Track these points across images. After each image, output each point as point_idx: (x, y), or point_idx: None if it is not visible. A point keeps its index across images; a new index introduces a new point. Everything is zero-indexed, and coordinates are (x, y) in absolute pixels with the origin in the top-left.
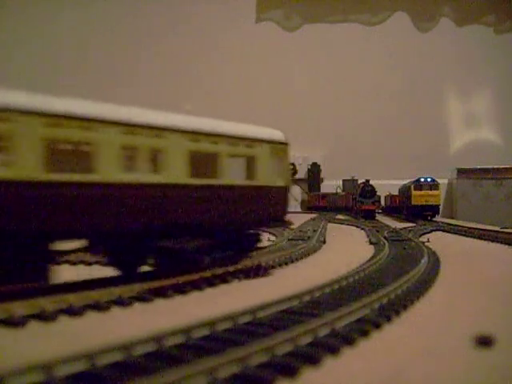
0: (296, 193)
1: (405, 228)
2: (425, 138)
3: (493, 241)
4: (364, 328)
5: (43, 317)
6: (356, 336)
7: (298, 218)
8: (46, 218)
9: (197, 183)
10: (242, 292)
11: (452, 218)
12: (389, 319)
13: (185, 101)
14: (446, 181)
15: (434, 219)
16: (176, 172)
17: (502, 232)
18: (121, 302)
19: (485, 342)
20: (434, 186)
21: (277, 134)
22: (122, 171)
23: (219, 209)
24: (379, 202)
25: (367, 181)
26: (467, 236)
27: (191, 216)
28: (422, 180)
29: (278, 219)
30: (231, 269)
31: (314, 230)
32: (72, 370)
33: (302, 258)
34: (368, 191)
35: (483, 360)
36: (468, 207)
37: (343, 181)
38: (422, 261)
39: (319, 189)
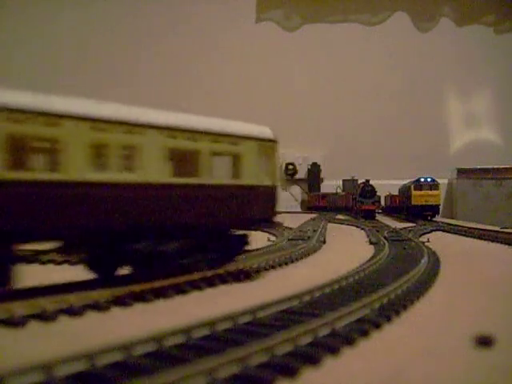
0: (296, 193)
1: (405, 228)
2: (425, 138)
3: (493, 241)
4: (364, 328)
5: (43, 317)
6: (356, 336)
7: (297, 218)
8: (9, 217)
9: (176, 182)
10: (242, 292)
11: (452, 217)
12: (389, 319)
13: (185, 101)
14: (445, 181)
15: (434, 219)
16: (152, 170)
17: (502, 232)
18: (121, 303)
19: (485, 342)
20: (433, 186)
21: (265, 131)
22: (89, 170)
23: (201, 209)
24: (379, 202)
25: (367, 181)
26: (467, 236)
27: (170, 217)
28: (422, 180)
29: (265, 220)
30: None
31: (314, 230)
32: (72, 370)
33: (302, 257)
34: (368, 191)
35: (483, 360)
36: (468, 207)
37: (343, 181)
38: (422, 261)
39: (319, 189)
